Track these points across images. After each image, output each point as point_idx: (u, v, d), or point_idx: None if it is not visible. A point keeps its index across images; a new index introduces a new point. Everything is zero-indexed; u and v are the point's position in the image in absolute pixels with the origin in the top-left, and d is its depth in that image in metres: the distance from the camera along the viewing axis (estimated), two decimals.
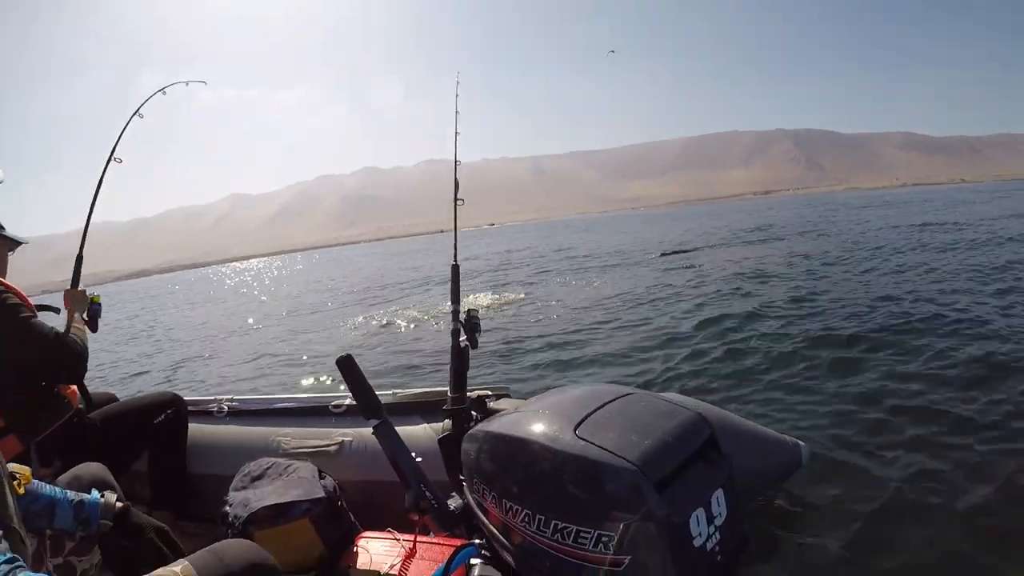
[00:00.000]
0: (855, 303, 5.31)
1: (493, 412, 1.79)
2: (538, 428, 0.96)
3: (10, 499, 0.82)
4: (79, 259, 2.31)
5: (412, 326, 7.59)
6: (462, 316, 2.16)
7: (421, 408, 2.18)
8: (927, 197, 34.47)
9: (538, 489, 0.93)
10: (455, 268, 2.27)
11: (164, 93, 2.82)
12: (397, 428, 2.06)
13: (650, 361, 4.28)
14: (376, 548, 1.49)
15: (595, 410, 0.98)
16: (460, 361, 2.15)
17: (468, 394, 2.18)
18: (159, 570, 0.91)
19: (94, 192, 2.48)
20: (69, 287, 2.15)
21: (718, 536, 0.87)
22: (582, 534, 0.85)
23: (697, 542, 0.84)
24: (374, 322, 8.38)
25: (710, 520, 0.86)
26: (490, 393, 2.18)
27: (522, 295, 9.05)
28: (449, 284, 2.19)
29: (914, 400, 2.87)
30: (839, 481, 2.14)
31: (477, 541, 1.20)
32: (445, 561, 1.24)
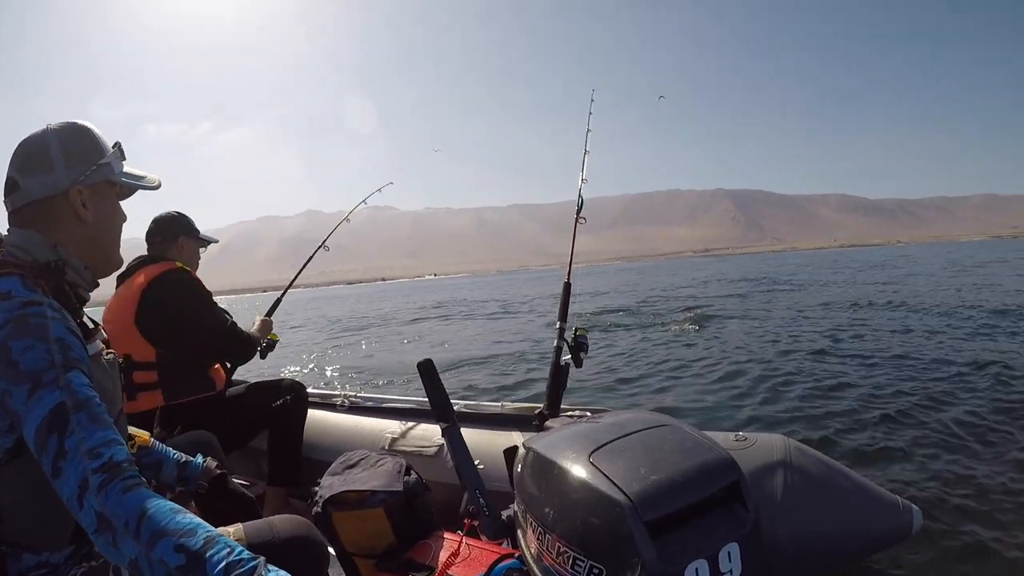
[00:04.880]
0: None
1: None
2: (563, 449, 0.96)
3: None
4: (277, 301, 2.87)
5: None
6: (568, 335, 2.19)
7: (520, 421, 2.25)
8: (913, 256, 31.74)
9: (552, 509, 0.93)
10: (567, 286, 2.31)
11: (366, 204, 3.52)
12: (494, 436, 2.15)
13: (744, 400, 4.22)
14: (438, 546, 1.58)
15: (620, 437, 0.95)
16: (557, 379, 2.18)
17: (565, 412, 2.20)
18: (218, 528, 1.05)
19: (298, 270, 3.15)
20: (266, 315, 2.59)
21: None
22: (578, 562, 0.85)
23: None
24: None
25: (715, 575, 0.80)
26: (588, 413, 2.17)
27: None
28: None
29: None
30: (953, 556, 1.84)
31: (518, 554, 1.22)
32: (486, 568, 1.29)
